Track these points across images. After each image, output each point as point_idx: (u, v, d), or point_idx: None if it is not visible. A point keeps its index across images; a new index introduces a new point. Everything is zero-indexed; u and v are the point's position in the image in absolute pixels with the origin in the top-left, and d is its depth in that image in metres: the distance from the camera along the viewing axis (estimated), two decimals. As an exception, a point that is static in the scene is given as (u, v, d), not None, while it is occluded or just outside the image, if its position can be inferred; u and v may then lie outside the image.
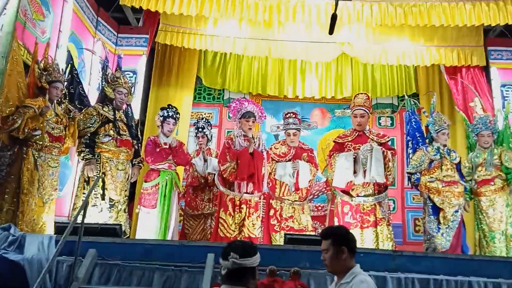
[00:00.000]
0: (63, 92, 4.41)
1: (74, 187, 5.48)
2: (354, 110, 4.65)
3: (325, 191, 6.25)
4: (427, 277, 3.16)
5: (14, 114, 3.85)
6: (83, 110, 4.62)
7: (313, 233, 4.56)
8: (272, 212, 4.71)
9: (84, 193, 4.24)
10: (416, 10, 5.43)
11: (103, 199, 4.30)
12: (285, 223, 4.60)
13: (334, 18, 4.01)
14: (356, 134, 4.63)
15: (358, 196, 4.37)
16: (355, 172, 4.36)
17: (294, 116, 4.87)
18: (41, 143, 3.99)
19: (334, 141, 4.81)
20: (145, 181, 4.83)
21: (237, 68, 7.45)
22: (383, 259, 3.30)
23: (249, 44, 6.71)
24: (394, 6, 5.44)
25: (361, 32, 6.51)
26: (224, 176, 4.49)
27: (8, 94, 3.89)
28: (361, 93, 4.88)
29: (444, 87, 7.18)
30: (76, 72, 5.15)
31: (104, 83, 4.76)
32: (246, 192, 4.46)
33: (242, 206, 4.43)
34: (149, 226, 4.60)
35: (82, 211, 2.97)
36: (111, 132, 4.48)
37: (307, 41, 6.71)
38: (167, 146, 4.88)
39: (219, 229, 4.39)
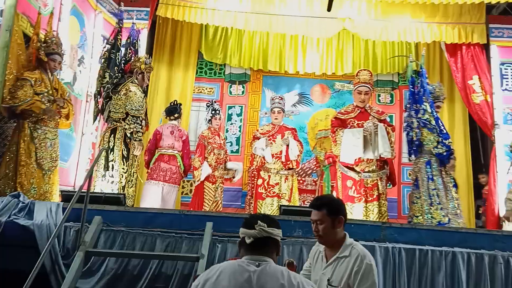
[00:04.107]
0: (61, 64, 4.45)
1: (79, 158, 5.66)
2: (359, 87, 4.68)
3: (315, 168, 6.47)
4: (413, 247, 3.34)
5: (13, 86, 3.93)
6: (130, 89, 4.69)
7: (305, 205, 4.83)
8: (260, 181, 5.31)
9: (123, 169, 4.54)
10: (416, -14, 5.41)
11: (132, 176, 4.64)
12: (271, 189, 5.22)
13: (332, -5, 4.02)
14: (359, 111, 4.70)
15: (363, 172, 4.49)
16: (363, 148, 4.45)
17: (280, 98, 5.66)
18: (37, 115, 4.04)
19: (335, 117, 4.88)
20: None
21: (238, 43, 7.46)
22: (372, 230, 3.47)
23: (250, 19, 6.70)
24: (395, -18, 5.40)
25: (362, 8, 6.49)
26: None
27: (12, 66, 3.99)
28: (364, 70, 4.92)
29: (445, 64, 7.22)
30: (120, 38, 5.15)
31: (136, 63, 4.85)
32: None
33: None
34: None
35: (87, 180, 3.13)
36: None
37: (308, 16, 6.69)
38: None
39: None
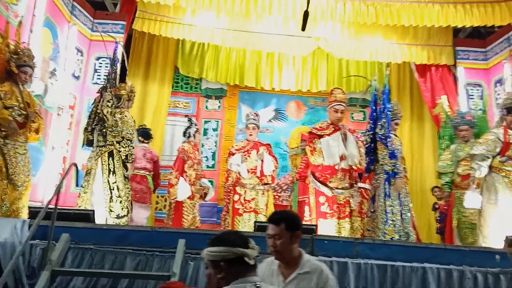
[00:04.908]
0: (32, 77, 4.28)
1: (48, 172, 5.49)
2: (335, 105, 4.73)
3: (290, 184, 6.54)
4: (384, 263, 3.38)
5: None
6: (124, 114, 4.64)
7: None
8: (236, 197, 5.30)
9: (125, 189, 4.50)
10: (387, 9, 5.63)
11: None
12: (248, 204, 5.24)
13: (306, 15, 4.12)
14: (333, 129, 4.76)
15: (336, 188, 4.53)
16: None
17: (255, 115, 5.68)
18: (5, 131, 3.88)
19: (310, 132, 4.92)
20: None
21: (215, 58, 7.51)
22: (345, 246, 3.49)
23: (227, 35, 6.79)
24: (367, 5, 5.61)
25: (336, 28, 6.67)
26: None
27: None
28: (338, 88, 5.01)
29: (415, 84, 7.48)
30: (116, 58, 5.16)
31: (122, 90, 4.80)
32: None
33: None
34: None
35: (56, 196, 3.03)
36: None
37: (284, 35, 6.85)
38: None
39: None
